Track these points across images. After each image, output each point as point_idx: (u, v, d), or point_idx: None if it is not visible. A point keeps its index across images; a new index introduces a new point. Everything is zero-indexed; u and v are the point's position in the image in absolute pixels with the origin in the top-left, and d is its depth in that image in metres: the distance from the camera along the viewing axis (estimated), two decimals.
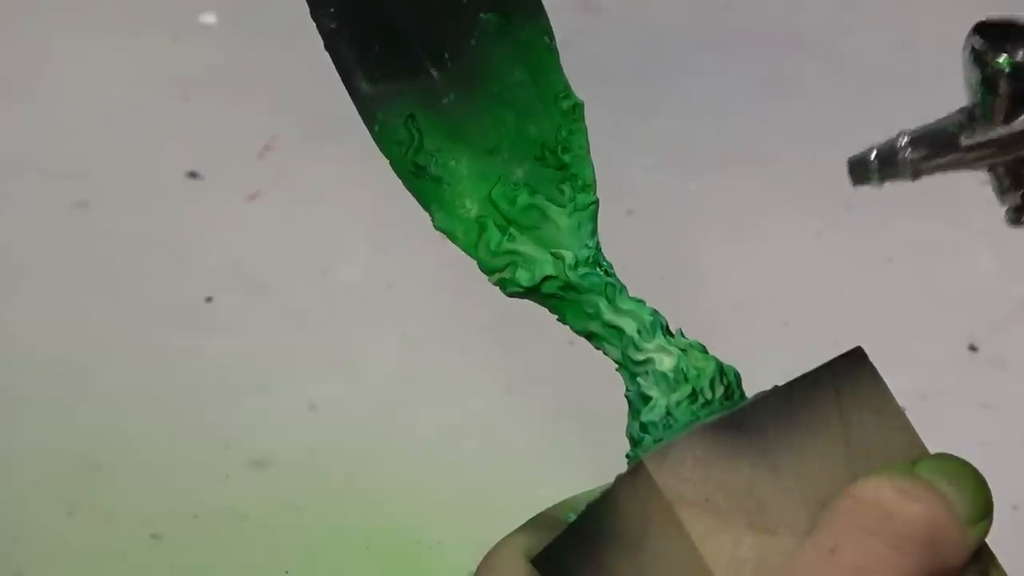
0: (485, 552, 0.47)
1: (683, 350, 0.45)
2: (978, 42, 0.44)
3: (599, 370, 0.50)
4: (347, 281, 0.94)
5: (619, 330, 0.46)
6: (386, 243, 0.96)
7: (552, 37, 0.45)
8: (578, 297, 0.46)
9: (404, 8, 0.44)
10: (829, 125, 1.06)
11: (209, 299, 0.93)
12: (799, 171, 1.03)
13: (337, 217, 0.98)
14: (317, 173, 1.01)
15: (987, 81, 0.44)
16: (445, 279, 0.93)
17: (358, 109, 0.46)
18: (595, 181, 0.47)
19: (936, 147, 0.46)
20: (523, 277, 0.45)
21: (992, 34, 0.46)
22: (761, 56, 1.12)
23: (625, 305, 0.46)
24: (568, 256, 0.46)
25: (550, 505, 0.48)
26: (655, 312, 0.47)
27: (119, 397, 0.87)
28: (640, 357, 0.45)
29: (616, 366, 0.46)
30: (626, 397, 0.46)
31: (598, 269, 0.46)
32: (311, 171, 1.01)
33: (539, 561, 0.44)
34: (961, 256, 0.96)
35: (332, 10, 0.45)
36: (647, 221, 0.99)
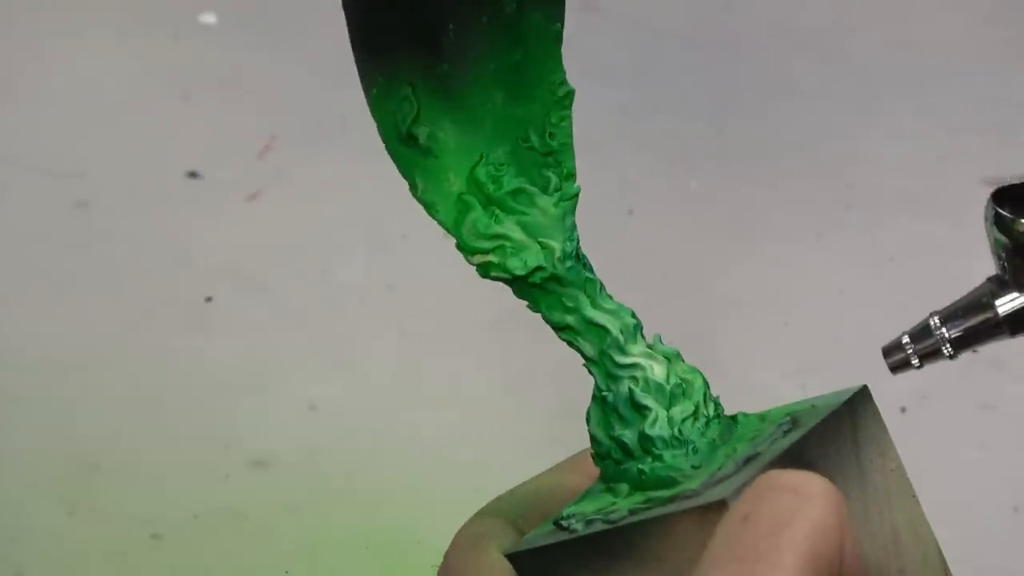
0: None
1: (668, 359, 0.45)
2: (999, 210, 0.44)
3: None
4: (347, 281, 0.94)
5: (602, 328, 0.45)
6: (386, 243, 0.96)
7: (562, 25, 0.45)
8: (560, 290, 0.45)
9: None
10: (829, 125, 1.06)
11: (209, 299, 0.93)
12: (799, 171, 1.03)
13: (337, 217, 0.98)
14: (317, 173, 1.01)
15: (1017, 247, 0.44)
16: (445, 279, 0.93)
17: (360, 70, 0.45)
18: (576, 172, 0.47)
19: (971, 320, 0.46)
20: (515, 265, 0.45)
21: (1012, 200, 0.46)
22: (761, 56, 1.12)
23: (607, 304, 0.46)
24: (556, 247, 0.45)
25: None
26: (635, 315, 0.46)
27: (119, 397, 0.87)
28: (626, 361, 0.45)
29: (585, 362, 0.46)
30: (599, 396, 0.45)
31: (580, 263, 0.46)
32: (311, 171, 1.01)
33: (525, 558, 0.43)
34: (961, 256, 0.96)
35: None
36: (647, 221, 0.99)
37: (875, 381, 0.95)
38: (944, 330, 0.46)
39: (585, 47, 1.12)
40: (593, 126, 1.05)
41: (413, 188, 0.45)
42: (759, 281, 0.95)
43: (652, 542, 0.42)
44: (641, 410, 0.45)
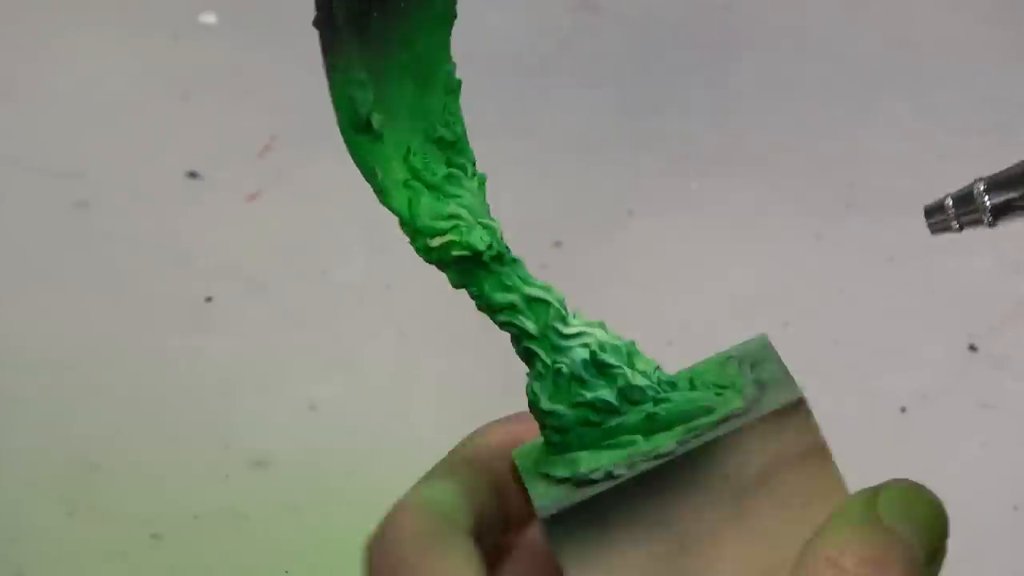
0: None
1: (602, 326, 0.46)
2: None
3: None
4: (347, 281, 0.94)
5: (543, 302, 0.46)
6: (385, 243, 0.96)
7: (455, 13, 0.46)
8: (501, 269, 0.46)
9: None
10: (829, 125, 1.06)
11: (209, 299, 0.93)
12: (799, 171, 1.03)
13: (337, 217, 0.98)
14: (317, 173, 1.01)
15: None
16: (445, 279, 0.93)
17: (323, 56, 0.46)
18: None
19: (1016, 191, 0.46)
20: (476, 240, 0.46)
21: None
22: (761, 56, 1.12)
23: (537, 282, 0.47)
24: (496, 226, 0.46)
25: None
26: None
27: (119, 397, 0.87)
28: (571, 331, 0.46)
29: (524, 342, 0.46)
30: (549, 369, 0.46)
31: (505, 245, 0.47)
32: (311, 171, 1.01)
33: (564, 519, 0.43)
34: (961, 256, 0.96)
35: None
36: (647, 221, 0.99)
37: (875, 381, 0.95)
38: (987, 198, 0.45)
39: (585, 47, 1.12)
40: (593, 126, 1.05)
41: (372, 177, 0.46)
42: (759, 281, 0.95)
43: (719, 462, 0.43)
44: (607, 368, 0.46)
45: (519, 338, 0.46)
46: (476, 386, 0.87)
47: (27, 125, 1.04)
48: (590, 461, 0.44)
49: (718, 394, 0.45)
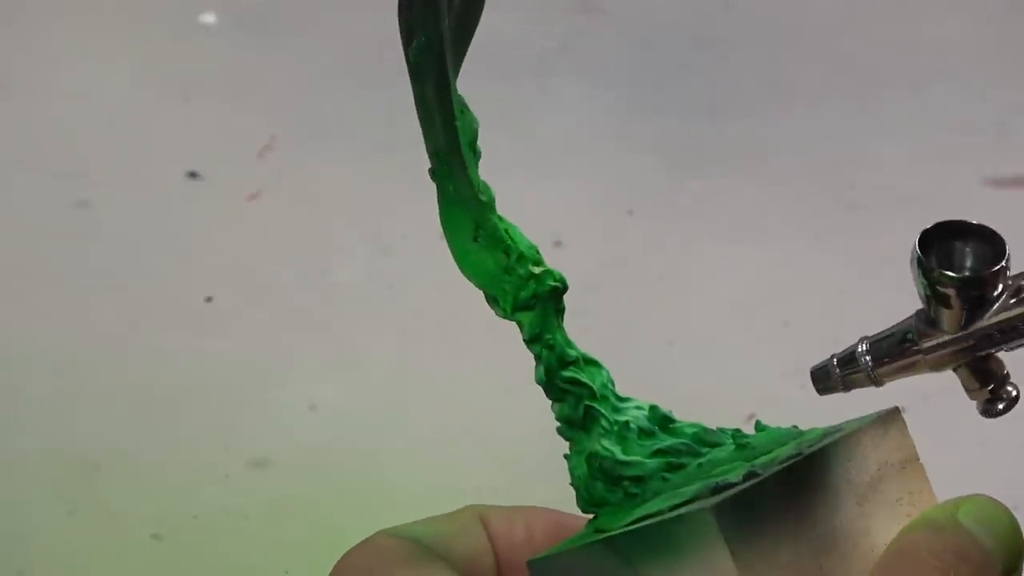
0: None
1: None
2: (923, 256, 0.45)
3: None
4: (347, 281, 0.94)
5: (597, 364, 0.47)
6: (386, 243, 0.96)
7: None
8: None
9: None
10: (829, 125, 1.06)
11: (209, 299, 0.93)
12: (799, 171, 1.03)
13: (337, 217, 0.98)
14: (317, 173, 1.01)
15: (938, 296, 0.45)
16: (445, 279, 0.93)
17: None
18: None
19: (894, 353, 0.47)
20: (560, 275, 0.46)
21: (937, 245, 0.47)
22: (761, 56, 1.12)
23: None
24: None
25: (542, 505, 0.48)
26: None
27: (119, 397, 0.87)
28: (623, 395, 0.46)
29: (587, 399, 0.46)
30: (616, 426, 0.46)
31: None
32: (311, 171, 1.01)
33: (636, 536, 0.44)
34: None
35: None
36: (647, 221, 0.99)
37: None
38: (869, 358, 0.46)
39: (585, 47, 1.12)
40: (593, 126, 1.05)
41: (483, 192, 0.46)
42: (759, 281, 0.95)
43: (837, 468, 0.43)
44: (669, 423, 0.45)
45: (579, 397, 0.46)
46: (476, 386, 0.87)
47: (27, 125, 1.04)
48: (669, 499, 0.44)
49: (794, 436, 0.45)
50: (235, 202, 0.99)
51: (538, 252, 0.45)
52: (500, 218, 0.46)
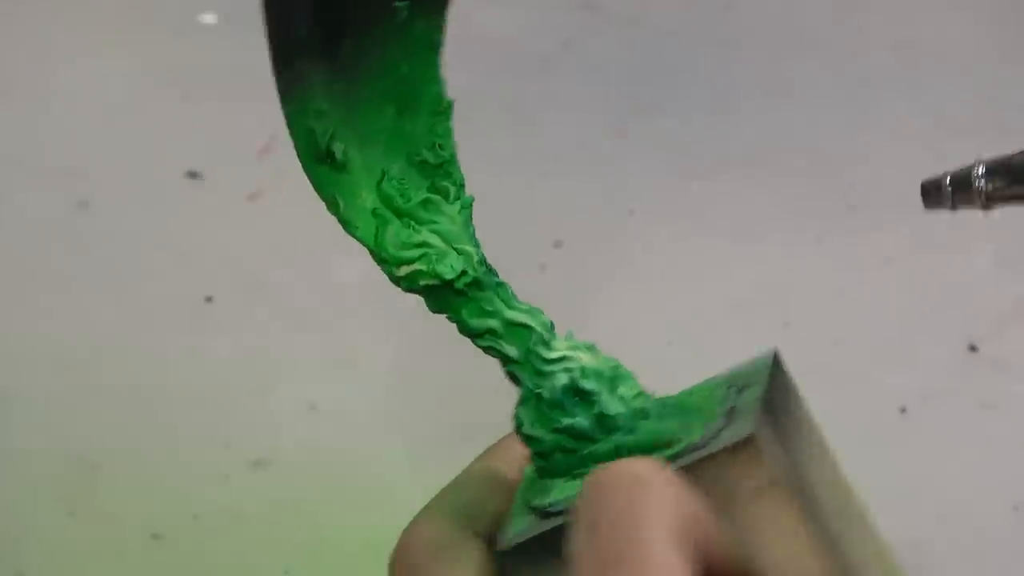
0: None
1: (590, 349, 0.46)
2: None
3: None
4: (347, 281, 0.94)
5: (524, 327, 0.46)
6: None
7: (442, 33, 0.45)
8: (480, 294, 0.46)
9: None
10: (829, 125, 1.06)
11: (209, 299, 0.93)
12: (799, 171, 1.03)
13: None
14: None
15: None
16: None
17: (277, 86, 0.46)
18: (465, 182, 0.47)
19: (1013, 178, 0.45)
20: (445, 269, 0.46)
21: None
22: (761, 56, 1.12)
23: (521, 305, 0.47)
24: (473, 252, 0.46)
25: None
26: (544, 313, 0.47)
27: (119, 397, 0.87)
28: (554, 355, 0.46)
29: (507, 367, 0.46)
30: (531, 395, 0.46)
31: (489, 269, 0.47)
32: None
33: (520, 551, 0.43)
34: (961, 256, 0.96)
35: None
36: (647, 221, 0.99)
37: (875, 381, 0.95)
38: (984, 182, 0.45)
39: (585, 47, 1.12)
40: (593, 126, 1.05)
41: (334, 207, 0.46)
42: (759, 281, 0.95)
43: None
44: (586, 395, 0.46)
45: (502, 363, 0.46)
46: (476, 387, 0.87)
47: (27, 125, 1.04)
48: (562, 490, 0.44)
49: (683, 425, 0.44)
50: (235, 202, 0.99)
51: (420, 246, 0.45)
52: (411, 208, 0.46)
